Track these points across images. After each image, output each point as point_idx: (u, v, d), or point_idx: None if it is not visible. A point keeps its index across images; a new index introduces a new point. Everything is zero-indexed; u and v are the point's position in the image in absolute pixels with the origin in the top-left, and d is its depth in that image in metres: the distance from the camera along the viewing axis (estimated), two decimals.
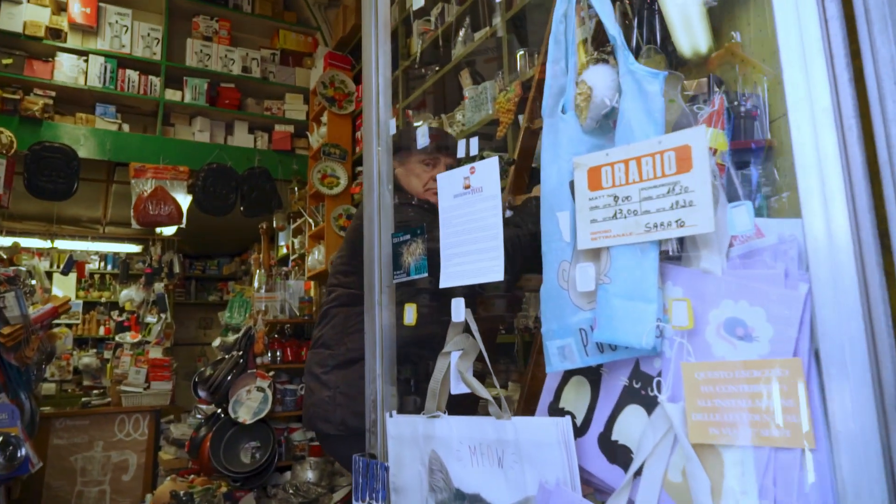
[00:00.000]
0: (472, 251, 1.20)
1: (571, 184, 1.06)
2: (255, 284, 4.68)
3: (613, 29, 1.03)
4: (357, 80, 4.78)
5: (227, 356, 4.19)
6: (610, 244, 0.99)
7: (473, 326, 1.19)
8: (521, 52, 2.78)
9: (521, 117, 2.73)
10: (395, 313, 1.39)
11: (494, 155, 1.12)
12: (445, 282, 1.22)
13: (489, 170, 1.19)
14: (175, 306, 7.89)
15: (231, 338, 4.49)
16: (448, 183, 1.27)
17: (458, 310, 1.19)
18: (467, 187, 1.22)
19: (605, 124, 1.09)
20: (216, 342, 4.56)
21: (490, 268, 1.15)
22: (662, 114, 0.99)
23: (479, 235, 1.19)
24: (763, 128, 1.07)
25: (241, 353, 4.03)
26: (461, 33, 3.17)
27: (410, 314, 1.29)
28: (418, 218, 1.65)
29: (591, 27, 1.08)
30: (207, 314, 8.90)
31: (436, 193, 1.82)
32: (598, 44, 1.08)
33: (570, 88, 1.09)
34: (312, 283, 4.68)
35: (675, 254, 0.98)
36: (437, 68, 3.52)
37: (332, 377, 1.86)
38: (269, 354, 4.20)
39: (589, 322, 1.03)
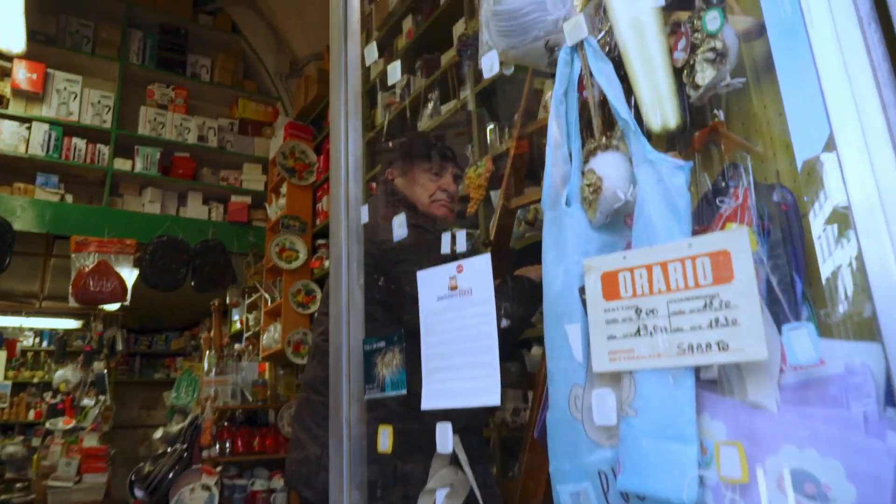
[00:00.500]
0: (460, 366, 1.01)
1: (582, 290, 0.89)
2: (205, 366, 4.32)
3: (625, 111, 0.89)
4: (318, 150, 4.65)
5: (169, 449, 3.79)
6: (634, 367, 0.81)
7: (463, 458, 0.98)
8: (492, 126, 2.70)
9: (493, 194, 2.62)
10: (369, 426, 1.17)
11: (485, 252, 0.95)
12: (428, 402, 1.02)
13: (480, 269, 1.02)
14: (117, 385, 7.30)
15: (175, 427, 4.09)
16: (430, 282, 1.09)
17: (445, 438, 0.98)
18: (454, 288, 1.04)
19: (617, 219, 0.94)
20: (158, 433, 4.15)
21: (483, 388, 0.95)
22: (689, 211, 0.84)
23: (468, 347, 1.00)
24: (794, 225, 0.93)
25: (185, 445, 3.65)
26: (429, 106, 3.08)
27: (386, 439, 1.07)
28: (417, 242, 1.37)
29: (596, 107, 0.94)
30: (152, 393, 8.28)
31: (444, 206, 1.67)
32: (606, 127, 0.94)
33: (574, 178, 0.94)
34: (268, 364, 4.35)
35: (710, 377, 0.81)
36: (402, 140, 3.42)
37: (325, 432, 1.57)
38: (218, 446, 3.81)
39: (610, 463, 0.84)
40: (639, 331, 0.82)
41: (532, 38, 1.10)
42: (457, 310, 1.03)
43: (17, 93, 4.39)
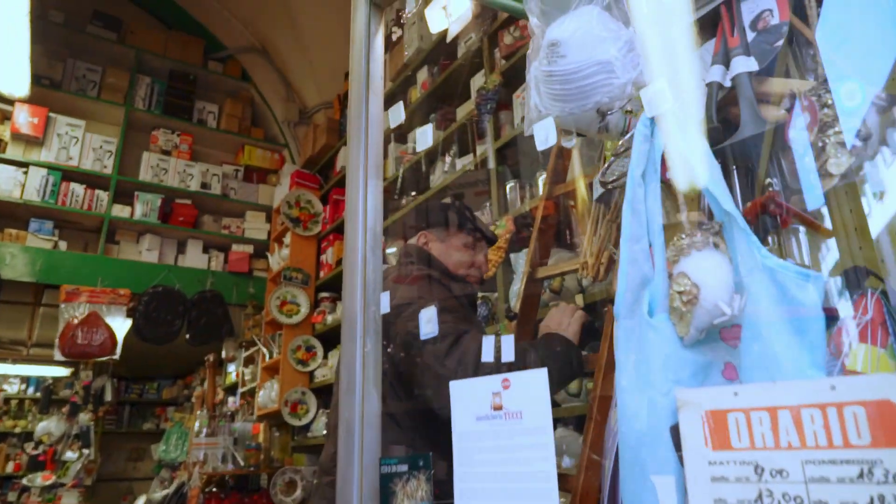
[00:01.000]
0: None
1: (675, 430, 0.69)
2: (196, 426, 4.05)
3: (727, 201, 0.70)
4: (324, 200, 4.50)
5: None
6: None
7: None
8: (512, 184, 2.53)
9: (513, 256, 2.44)
10: None
11: (540, 370, 0.75)
12: None
13: (533, 385, 0.81)
14: (103, 435, 6.97)
15: (158, 495, 3.80)
16: (466, 397, 0.88)
17: None
18: (497, 408, 0.84)
19: (712, 332, 0.74)
20: (139, 501, 3.84)
21: None
22: (824, 337, 0.64)
23: (518, 488, 0.79)
24: None
25: None
26: (447, 160, 2.93)
27: None
28: (455, 304, 1.35)
29: (683, 193, 0.76)
30: (140, 444, 7.91)
31: (477, 280, 1.66)
32: (698, 218, 0.75)
33: (659, 282, 0.74)
34: (262, 425, 4.08)
35: None
36: (413, 194, 3.26)
37: None
38: None
39: None
40: (760, 497, 0.61)
41: (593, 104, 0.92)
42: (502, 437, 0.82)
43: (17, 136, 4.27)
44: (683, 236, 0.73)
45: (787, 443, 0.60)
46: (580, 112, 0.95)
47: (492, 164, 2.55)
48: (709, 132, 0.82)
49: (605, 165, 1.09)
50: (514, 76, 2.64)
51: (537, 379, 0.81)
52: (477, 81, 2.93)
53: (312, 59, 5.08)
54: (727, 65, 0.89)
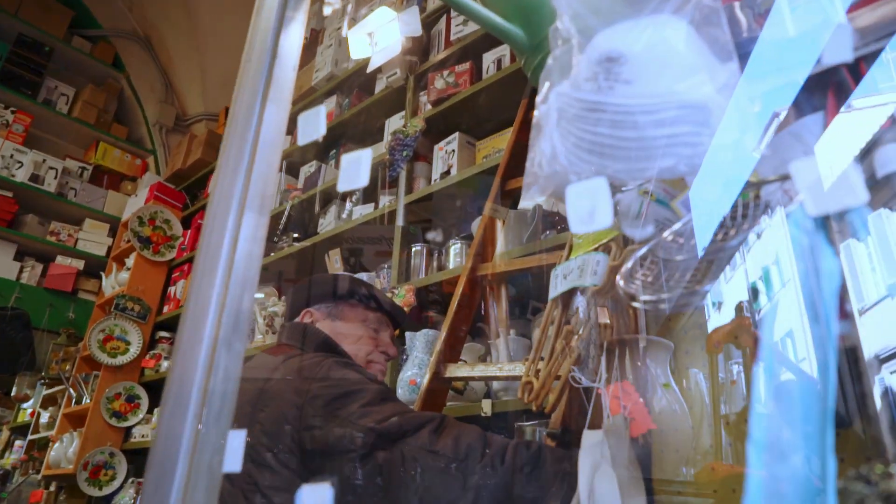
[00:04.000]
0: None
1: None
2: None
3: None
4: (186, 223, 3.81)
5: None
6: None
7: None
8: (418, 248, 2.13)
9: (408, 335, 2.00)
10: None
11: None
12: None
13: None
14: None
15: None
16: None
17: None
18: None
19: None
20: None
21: None
22: None
23: None
24: None
25: None
26: (347, 205, 2.48)
27: None
28: (367, 383, 1.05)
29: None
30: None
31: (381, 370, 1.32)
32: None
33: None
34: (47, 492, 3.17)
35: None
36: (296, 236, 2.75)
37: None
38: None
39: None
40: None
41: (659, 170, 0.55)
42: None
43: None
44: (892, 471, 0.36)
45: None
46: (630, 178, 0.58)
47: (400, 222, 2.14)
48: None
49: (628, 270, 0.72)
50: (439, 125, 2.29)
51: None
52: (394, 123, 2.55)
53: (204, 64, 4.46)
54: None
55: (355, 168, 0.57)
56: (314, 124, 0.64)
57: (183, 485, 0.59)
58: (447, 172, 2.17)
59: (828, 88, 0.65)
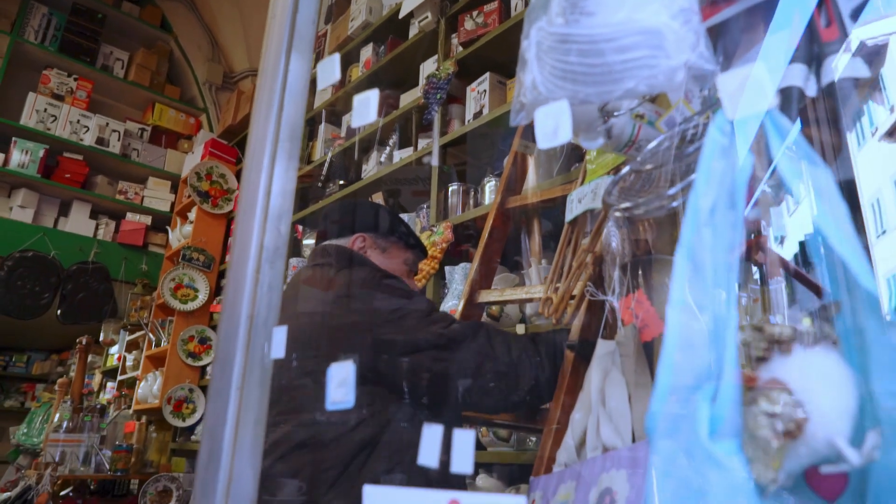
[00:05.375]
0: None
1: None
2: (56, 419, 3.47)
3: (863, 268, 0.43)
4: (240, 177, 4.02)
5: None
6: None
7: None
8: (455, 187, 2.23)
9: (447, 269, 2.13)
10: None
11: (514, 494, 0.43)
12: None
13: None
14: None
15: None
16: None
17: None
18: None
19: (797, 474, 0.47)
20: None
21: None
22: None
23: None
24: None
25: None
26: (386, 150, 2.59)
27: None
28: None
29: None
30: (1, 423, 7.00)
31: None
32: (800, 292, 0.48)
33: (729, 388, 0.46)
34: (139, 423, 3.56)
35: None
36: (342, 183, 2.89)
37: None
38: None
39: None
40: None
41: (623, 91, 0.63)
42: None
43: None
44: (778, 320, 0.45)
45: None
46: (599, 100, 0.66)
47: (435, 162, 2.23)
48: None
49: (612, 183, 0.81)
50: (471, 67, 2.34)
51: None
52: (427, 67, 2.61)
53: (246, 20, 4.57)
54: (815, 65, 0.63)
55: (364, 106, 0.67)
56: (330, 70, 0.74)
57: (241, 372, 0.73)
58: (479, 112, 2.23)
59: (794, 7, 0.70)
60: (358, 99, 0.69)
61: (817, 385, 0.42)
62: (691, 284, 0.49)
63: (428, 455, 0.59)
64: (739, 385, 0.46)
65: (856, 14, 0.64)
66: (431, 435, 0.60)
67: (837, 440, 0.41)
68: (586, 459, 0.94)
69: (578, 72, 0.63)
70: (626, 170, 0.77)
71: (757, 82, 0.48)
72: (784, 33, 0.56)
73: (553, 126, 0.56)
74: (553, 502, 1.01)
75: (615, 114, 0.83)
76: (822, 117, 0.59)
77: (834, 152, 0.67)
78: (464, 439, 0.53)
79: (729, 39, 0.76)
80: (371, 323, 1.14)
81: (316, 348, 1.16)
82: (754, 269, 0.66)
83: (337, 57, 0.75)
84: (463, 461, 0.54)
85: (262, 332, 0.74)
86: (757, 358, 0.45)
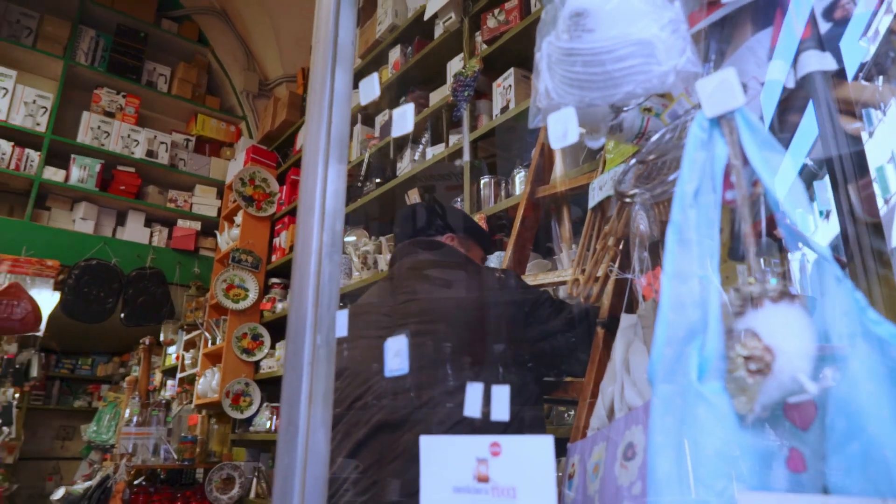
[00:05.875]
0: None
1: None
2: (126, 414, 3.74)
3: (819, 244, 0.53)
4: (281, 179, 4.21)
5: None
6: None
7: None
8: (486, 180, 2.34)
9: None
10: None
11: (543, 437, 0.54)
12: None
13: (534, 454, 0.62)
14: (28, 412, 6.52)
15: (80, 487, 3.49)
16: (440, 457, 0.69)
17: None
18: (483, 480, 0.64)
19: (775, 408, 0.57)
20: (58, 494, 3.52)
21: None
22: None
23: None
24: None
25: None
26: (419, 148, 2.71)
27: None
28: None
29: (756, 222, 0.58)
30: (70, 422, 7.45)
31: None
32: (773, 258, 0.58)
33: (714, 339, 0.56)
34: (200, 416, 3.80)
35: None
36: (378, 181, 3.03)
37: None
38: None
39: None
40: None
41: (623, 94, 0.73)
42: None
43: None
44: (752, 281, 0.55)
45: None
46: (603, 103, 0.76)
47: (467, 157, 2.34)
48: None
49: (622, 172, 0.91)
50: (496, 63, 2.44)
51: (538, 447, 0.62)
52: (454, 66, 2.72)
53: (277, 28, 4.75)
54: (791, 61, 0.72)
55: (402, 118, 0.79)
56: (371, 87, 0.86)
57: (311, 349, 0.86)
58: (506, 107, 2.33)
59: (776, 5, 0.79)
60: (397, 112, 0.81)
61: (783, 334, 0.52)
62: (680, 256, 0.59)
63: (499, 411, 0.71)
64: (722, 336, 0.56)
65: (827, 14, 0.72)
66: (500, 393, 0.72)
67: (799, 375, 0.51)
68: (614, 421, 1.05)
69: (584, 80, 0.74)
70: (633, 161, 0.87)
71: (730, 85, 0.58)
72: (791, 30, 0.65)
73: (563, 129, 0.67)
74: (589, 463, 1.12)
75: (624, 109, 0.93)
76: (799, 105, 0.68)
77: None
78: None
79: (722, 36, 0.85)
80: (521, 312, 1.29)
81: (471, 331, 1.26)
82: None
83: (375, 76, 0.87)
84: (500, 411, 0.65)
85: (325, 317, 0.87)
86: (735, 313, 0.55)
